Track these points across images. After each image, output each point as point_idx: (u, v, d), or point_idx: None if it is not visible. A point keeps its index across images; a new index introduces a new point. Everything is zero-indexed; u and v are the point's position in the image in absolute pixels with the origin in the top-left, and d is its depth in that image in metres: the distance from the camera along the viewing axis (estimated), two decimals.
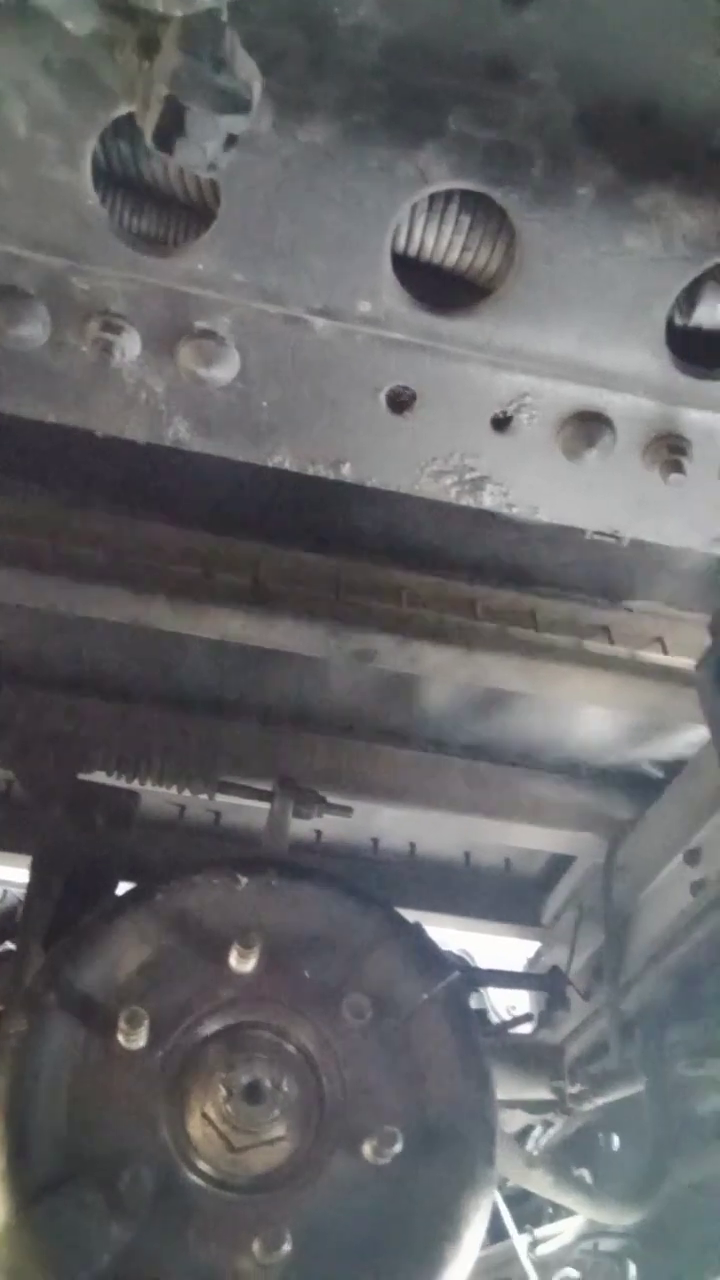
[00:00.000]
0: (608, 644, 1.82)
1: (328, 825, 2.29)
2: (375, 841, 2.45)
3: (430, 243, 0.71)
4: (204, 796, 1.50)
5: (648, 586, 1.82)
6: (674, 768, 2.13)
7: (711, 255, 0.66)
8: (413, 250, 0.72)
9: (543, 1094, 1.30)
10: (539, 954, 2.45)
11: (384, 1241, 0.92)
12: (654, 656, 1.83)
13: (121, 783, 1.39)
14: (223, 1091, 0.99)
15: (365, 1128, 0.97)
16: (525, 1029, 2.06)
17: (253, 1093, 0.99)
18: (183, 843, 2.29)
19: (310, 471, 0.86)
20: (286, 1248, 0.89)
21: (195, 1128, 0.99)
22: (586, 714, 2.03)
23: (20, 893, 1.97)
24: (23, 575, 1.67)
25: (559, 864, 2.44)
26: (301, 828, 2.00)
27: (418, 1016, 1.05)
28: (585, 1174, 2.10)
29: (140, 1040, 0.98)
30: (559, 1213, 2.32)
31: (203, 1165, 0.97)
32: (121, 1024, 0.96)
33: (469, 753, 2.16)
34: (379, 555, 1.77)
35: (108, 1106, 0.97)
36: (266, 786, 1.51)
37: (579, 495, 0.86)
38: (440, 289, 0.73)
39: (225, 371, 0.78)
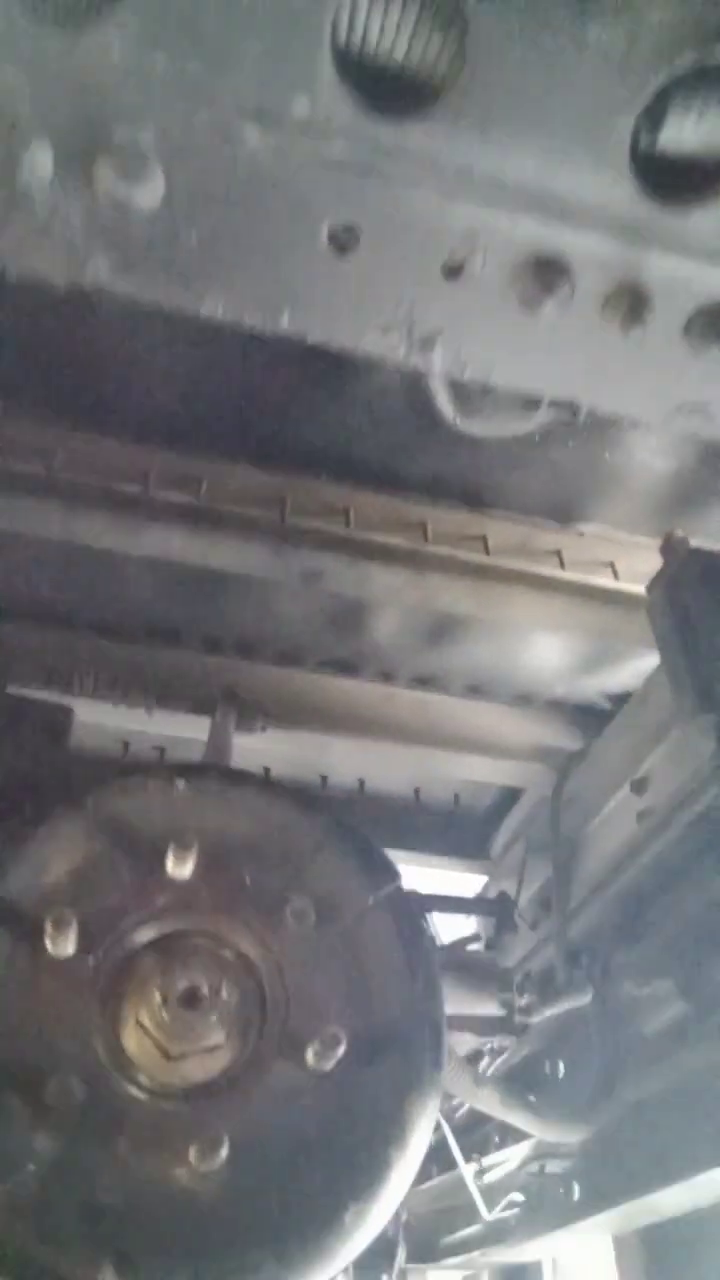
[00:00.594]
0: (559, 568, 1.78)
1: (275, 761, 2.23)
2: (324, 779, 2.40)
3: (374, 33, 0.63)
4: (142, 711, 1.42)
5: (599, 509, 1.78)
6: (622, 699, 2.11)
7: (680, 54, 0.60)
8: (355, 43, 0.64)
9: (491, 1009, 1.27)
10: (486, 888, 2.43)
11: (327, 1147, 0.88)
12: (605, 581, 1.79)
13: (54, 698, 1.31)
14: (158, 998, 0.93)
15: (308, 1033, 0.93)
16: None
17: (190, 998, 0.94)
18: None
19: (246, 321, 0.78)
20: (224, 1154, 0.84)
21: (129, 1037, 0.93)
22: (537, 644, 1.99)
23: None
24: None
25: (508, 798, 2.41)
26: (248, 761, 1.94)
27: (363, 921, 1.00)
28: (532, 1098, 2.10)
29: (69, 946, 0.92)
30: (505, 1142, 2.33)
31: (137, 1075, 0.91)
32: (48, 928, 0.90)
33: (418, 684, 2.11)
34: (327, 472, 1.70)
35: (33, 1015, 0.90)
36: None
37: (535, 354, 0.80)
38: (385, 99, 0.66)
39: (148, 195, 0.70)
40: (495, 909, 1.72)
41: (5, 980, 0.91)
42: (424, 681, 2.12)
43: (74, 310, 1.46)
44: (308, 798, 1.11)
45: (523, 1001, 1.27)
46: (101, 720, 1.95)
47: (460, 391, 1.53)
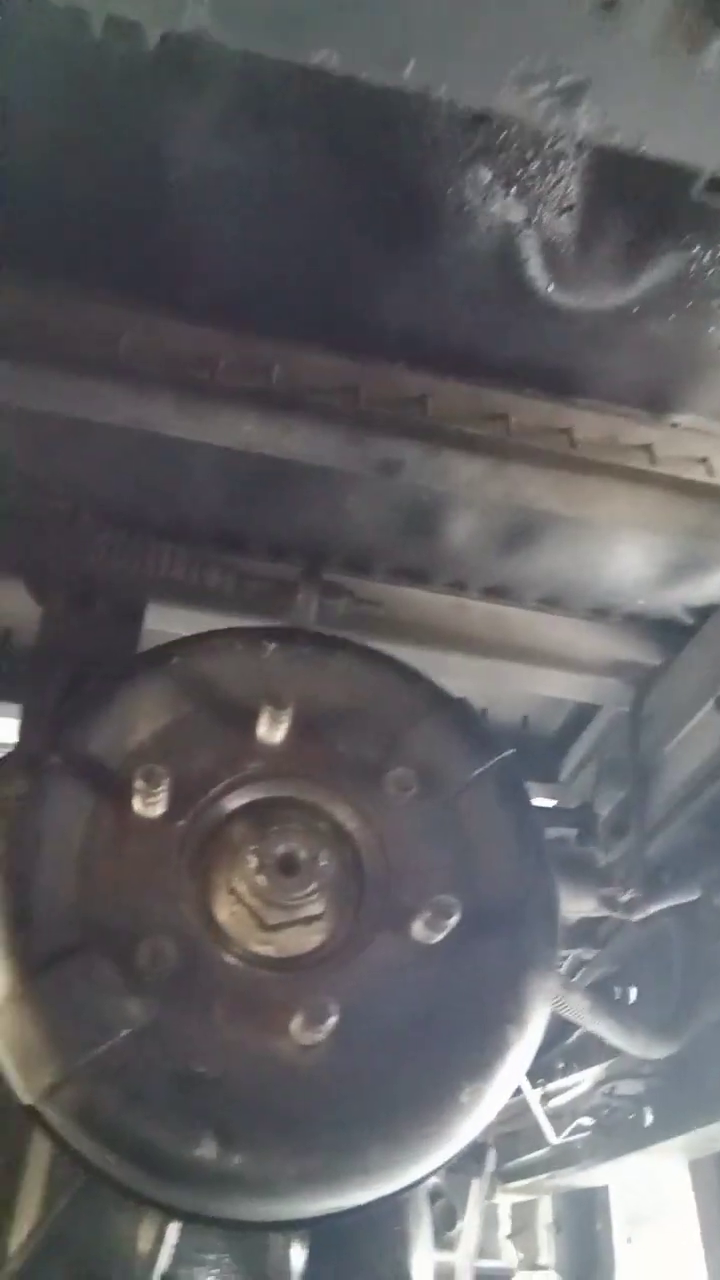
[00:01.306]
0: (649, 463, 1.65)
1: None
2: None
3: None
4: (222, 589, 1.33)
5: (695, 398, 1.65)
6: (706, 613, 1.99)
7: None
8: None
9: (589, 904, 1.18)
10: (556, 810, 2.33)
11: (440, 1024, 0.81)
12: (698, 476, 1.67)
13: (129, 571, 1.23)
14: (253, 862, 0.86)
15: (413, 906, 0.85)
16: None
17: (287, 864, 0.86)
18: None
19: (363, 75, 0.68)
20: (328, 1026, 0.77)
21: (222, 905, 0.86)
22: (619, 549, 1.86)
23: None
24: (11, 370, 1.48)
25: (577, 720, 2.31)
26: None
27: (469, 793, 0.91)
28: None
29: (158, 806, 0.85)
30: (568, 1069, 2.26)
31: (232, 944, 0.84)
32: (137, 783, 0.83)
33: (492, 595, 2.00)
34: (404, 358, 1.58)
35: (123, 877, 0.84)
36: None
37: (696, 115, 0.68)
38: None
39: None
40: (577, 820, 1.62)
41: (90, 839, 0.84)
42: (497, 592, 2.01)
43: (137, 180, 1.37)
44: (406, 666, 1.02)
45: (625, 897, 1.18)
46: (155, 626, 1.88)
47: (554, 254, 1.40)
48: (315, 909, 0.87)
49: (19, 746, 1.07)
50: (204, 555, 1.39)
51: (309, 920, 0.86)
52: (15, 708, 1.80)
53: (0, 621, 1.89)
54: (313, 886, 0.86)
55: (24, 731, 1.08)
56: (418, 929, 0.84)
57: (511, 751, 0.96)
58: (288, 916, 0.86)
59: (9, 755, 1.01)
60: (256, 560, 1.89)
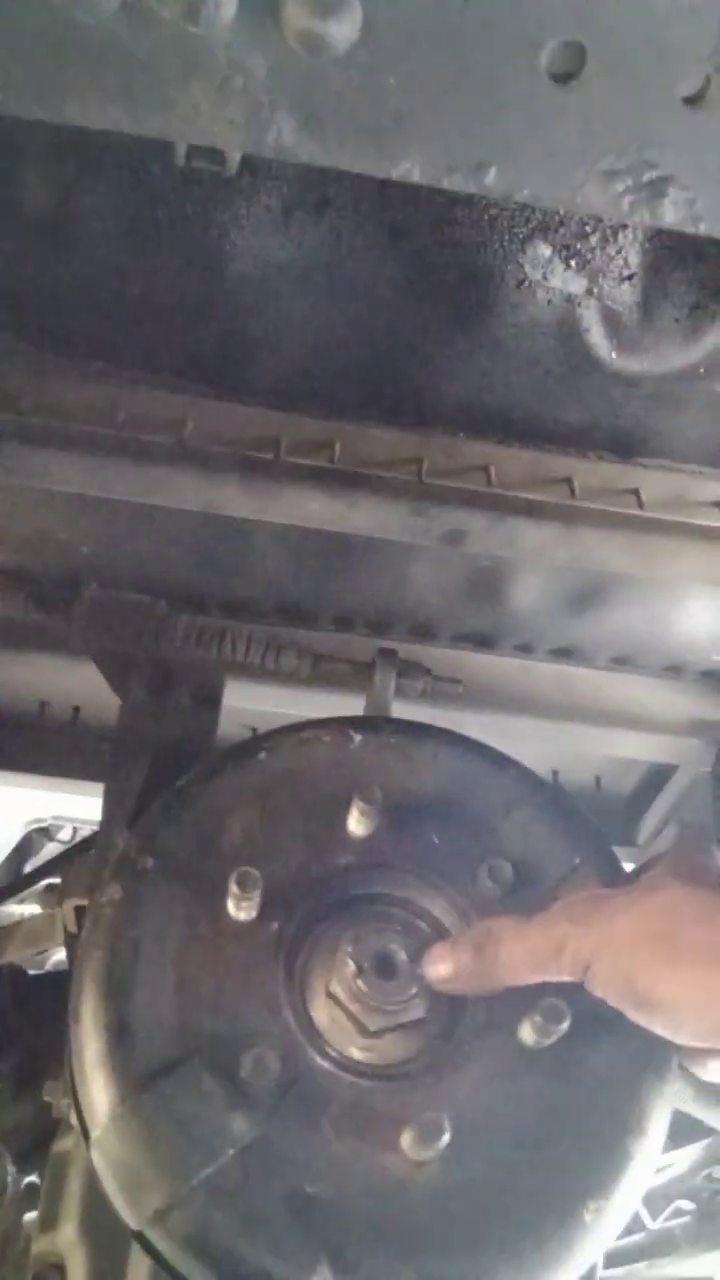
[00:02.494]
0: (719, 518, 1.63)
1: None
2: None
3: None
4: (285, 689, 1.34)
5: None
6: None
7: None
8: None
9: None
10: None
11: (557, 1136, 0.77)
12: None
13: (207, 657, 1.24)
14: (351, 966, 0.83)
15: (520, 1008, 0.81)
16: None
17: (385, 965, 0.84)
18: None
19: (445, 184, 0.68)
20: (444, 1140, 0.74)
21: (320, 1010, 0.84)
22: (692, 606, 1.83)
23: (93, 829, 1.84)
24: (82, 461, 1.51)
25: (654, 780, 2.25)
26: None
27: (570, 882, 0.88)
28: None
29: (253, 909, 0.83)
30: (664, 1147, 2.15)
31: (332, 1051, 0.82)
32: (233, 887, 0.82)
33: (560, 656, 1.98)
34: (465, 428, 1.59)
35: (221, 984, 0.82)
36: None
37: None
38: None
39: (345, 30, 0.60)
40: None
41: (187, 945, 0.83)
42: (565, 653, 1.98)
43: (197, 274, 1.41)
44: (496, 752, 1.01)
45: None
46: (230, 703, 1.89)
47: (616, 322, 1.40)
48: (417, 1013, 0.84)
49: (101, 841, 1.07)
50: (279, 638, 1.39)
51: (412, 1024, 0.84)
52: (87, 785, 1.82)
53: (69, 700, 1.92)
54: (414, 990, 0.84)
55: (106, 824, 1.08)
56: (526, 1033, 0.81)
57: (607, 841, 0.93)
58: (389, 1022, 0.83)
59: (93, 852, 1.01)
60: (322, 631, 1.90)
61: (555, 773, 2.33)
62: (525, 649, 1.97)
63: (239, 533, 1.70)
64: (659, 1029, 0.78)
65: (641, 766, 2.26)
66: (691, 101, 0.64)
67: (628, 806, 2.34)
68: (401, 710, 1.87)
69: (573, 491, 1.59)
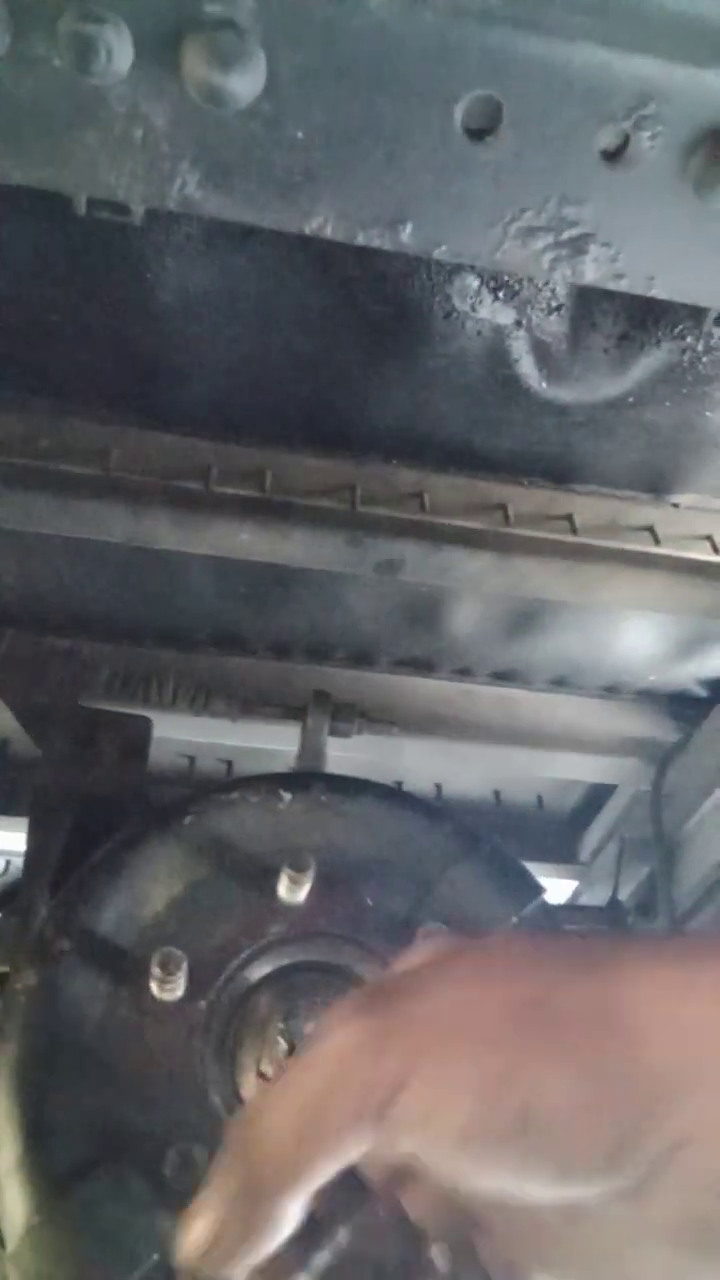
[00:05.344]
0: (652, 544, 1.63)
1: (346, 768, 2.09)
2: (399, 784, 2.26)
3: None
4: (218, 721, 1.30)
5: (695, 477, 1.63)
6: None
7: None
8: None
9: None
10: (577, 892, 2.27)
11: None
12: (703, 555, 1.64)
13: (131, 709, 1.19)
14: (282, 1045, 0.80)
15: None
16: None
17: None
18: None
19: (360, 240, 0.65)
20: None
21: (251, 1090, 0.80)
22: (628, 628, 1.84)
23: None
24: (4, 495, 1.45)
25: (595, 797, 2.26)
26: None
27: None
28: None
29: (178, 989, 0.79)
30: None
31: None
32: (154, 969, 0.77)
33: (498, 679, 1.97)
34: (397, 455, 1.57)
35: (144, 1072, 0.77)
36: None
37: (707, 255, 0.65)
38: None
39: (248, 82, 0.56)
40: (606, 917, 1.56)
41: (108, 1032, 0.78)
42: (505, 676, 1.98)
43: (119, 297, 1.36)
44: (432, 806, 0.98)
45: None
46: (162, 733, 1.84)
47: (546, 352, 1.39)
48: None
49: (23, 905, 1.01)
50: (208, 680, 1.34)
51: None
52: (13, 820, 1.75)
53: None
54: None
55: (27, 888, 1.02)
56: None
57: (544, 895, 0.91)
58: None
59: (10, 917, 0.95)
60: (257, 659, 1.86)
61: (498, 792, 2.33)
62: (465, 673, 1.96)
63: (170, 563, 1.65)
64: (537, 1170, 0.41)
65: (583, 785, 2.26)
66: (611, 158, 0.61)
67: (570, 825, 2.35)
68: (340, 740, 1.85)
69: (507, 518, 1.58)
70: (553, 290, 1.28)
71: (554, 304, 1.30)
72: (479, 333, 1.33)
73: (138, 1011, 0.79)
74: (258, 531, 1.51)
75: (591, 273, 0.66)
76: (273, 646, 1.86)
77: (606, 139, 0.60)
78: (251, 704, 1.38)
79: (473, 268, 1.27)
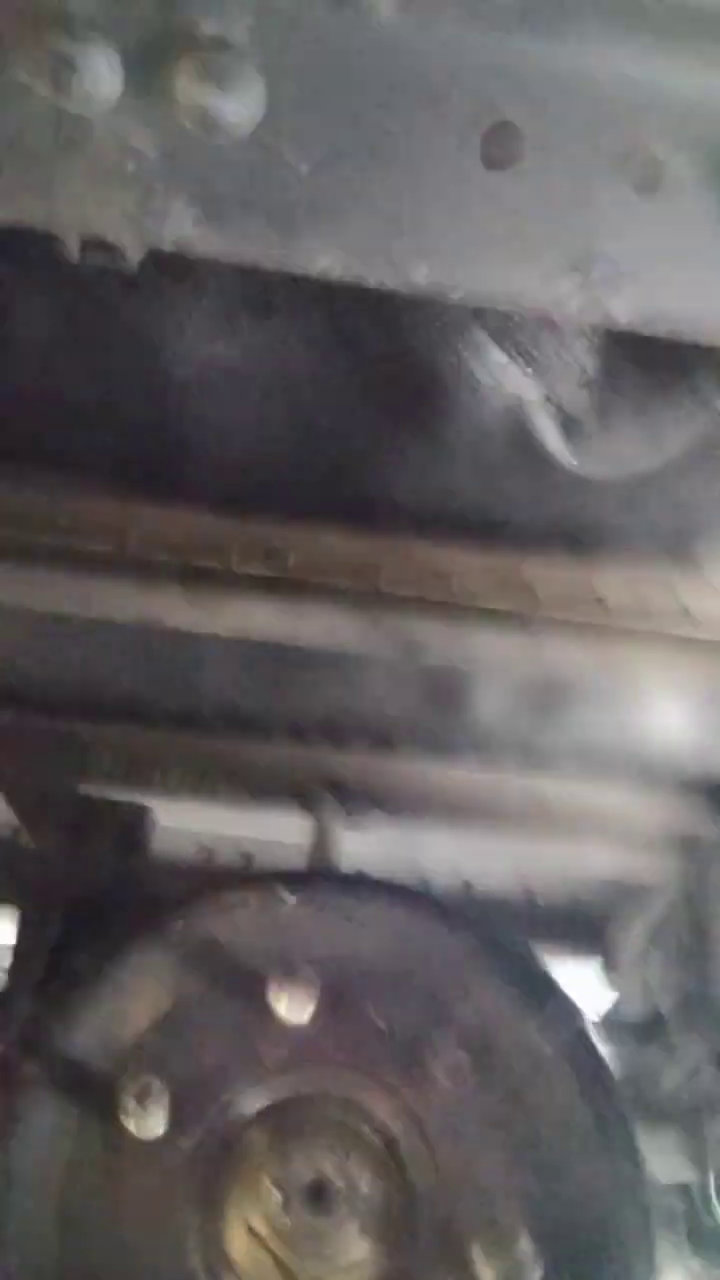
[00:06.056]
0: (687, 625, 1.54)
1: (369, 864, 1.98)
2: (425, 882, 2.13)
3: None
4: (225, 810, 1.20)
5: None
6: None
7: None
8: None
9: (679, 1165, 0.97)
10: (617, 1003, 2.10)
11: None
12: None
13: (131, 797, 1.10)
14: (276, 1196, 0.68)
15: (477, 1239, 0.66)
16: None
17: (318, 1196, 0.68)
18: None
19: (369, 280, 0.59)
20: None
21: (239, 1249, 0.67)
22: (664, 713, 1.73)
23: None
24: (15, 572, 1.41)
25: (633, 895, 2.10)
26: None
27: (540, 1077, 0.74)
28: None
29: (157, 1125, 0.68)
30: None
31: None
32: (128, 1103, 0.66)
33: (528, 768, 1.86)
34: (422, 531, 1.50)
35: (115, 1221, 0.66)
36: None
37: None
38: None
39: (245, 107, 0.51)
40: (646, 1035, 1.41)
41: (76, 1172, 0.67)
42: (535, 765, 1.86)
43: (138, 378, 1.33)
44: (452, 909, 0.87)
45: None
46: (179, 823, 1.74)
47: (573, 428, 1.33)
48: (357, 1251, 0.68)
49: (4, 1009, 0.91)
50: (213, 767, 1.26)
51: (350, 1268, 0.68)
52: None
53: None
54: (352, 1225, 0.68)
55: (11, 990, 0.92)
56: (486, 1273, 0.65)
57: (581, 1018, 0.79)
58: (323, 1269, 0.67)
59: None
60: (272, 743, 1.77)
61: (529, 891, 2.19)
62: (491, 761, 1.86)
63: (182, 642, 1.59)
64: None
65: (620, 884, 2.12)
66: (643, 190, 0.55)
67: (607, 923, 2.19)
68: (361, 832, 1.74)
69: (536, 600, 1.50)
70: (579, 363, 1.23)
71: (583, 378, 1.25)
72: (504, 406, 1.28)
73: (111, 1148, 0.68)
74: (276, 610, 1.44)
75: (624, 314, 0.60)
76: (290, 730, 1.77)
77: (638, 168, 0.54)
78: (260, 791, 1.28)
79: (498, 341, 1.22)
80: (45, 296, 1.20)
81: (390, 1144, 0.72)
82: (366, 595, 1.44)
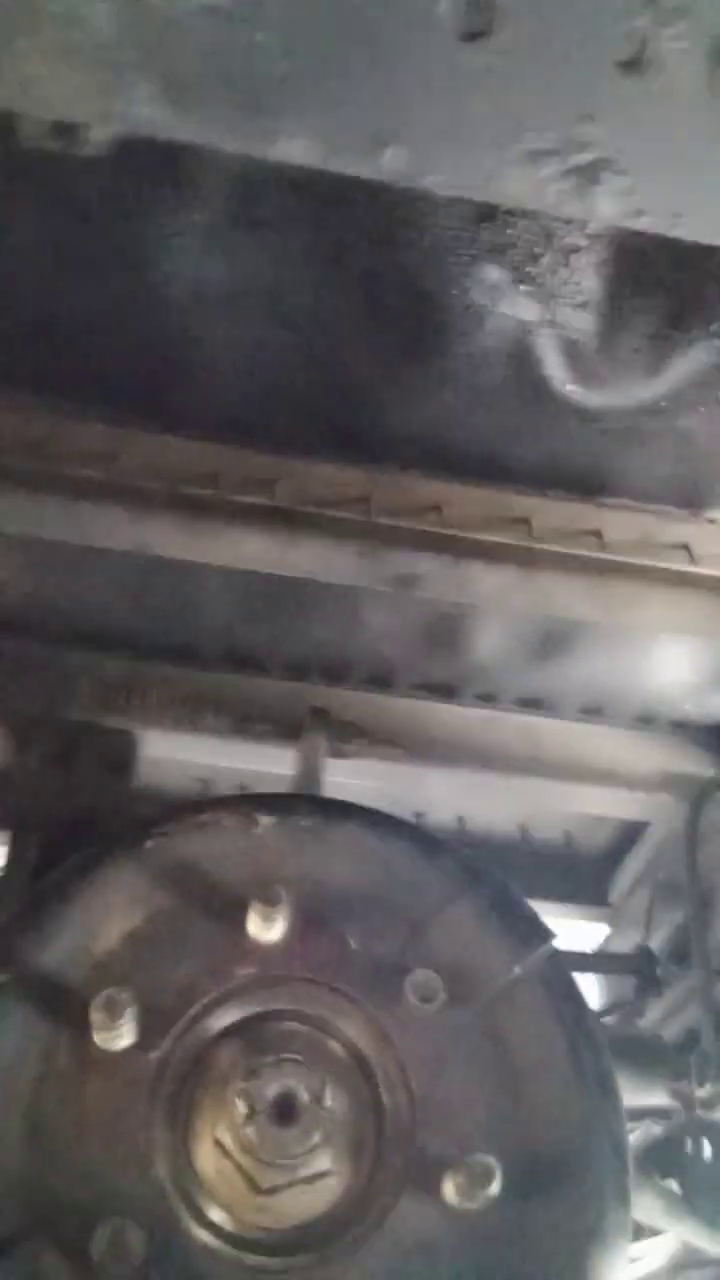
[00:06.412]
0: (687, 562, 1.51)
1: (364, 797, 1.98)
2: (420, 816, 2.13)
3: None
4: (216, 740, 1.20)
5: None
6: None
7: None
8: None
9: (659, 1099, 0.98)
10: (609, 939, 2.11)
11: None
12: None
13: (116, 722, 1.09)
14: (242, 1108, 0.68)
15: (444, 1157, 0.67)
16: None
17: (284, 1109, 0.69)
18: None
19: (334, 166, 0.55)
20: None
21: (205, 1161, 0.68)
22: (661, 653, 1.70)
23: None
24: (7, 497, 1.39)
25: (627, 835, 2.11)
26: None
27: (510, 998, 0.74)
28: (673, 1185, 1.76)
29: (124, 1037, 0.68)
30: (643, 1231, 1.98)
31: (216, 1215, 0.66)
32: (95, 1014, 0.67)
33: (525, 707, 1.84)
34: (416, 464, 1.47)
35: (81, 1133, 0.67)
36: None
37: None
38: None
39: None
40: (635, 966, 1.42)
41: (43, 1083, 0.67)
42: (531, 704, 1.84)
43: (129, 296, 1.29)
44: (428, 835, 0.86)
45: (703, 1092, 0.98)
46: (175, 754, 1.74)
47: (573, 353, 1.28)
48: (321, 1164, 0.69)
49: None
50: (198, 694, 1.25)
51: (314, 1179, 0.68)
52: None
53: None
54: (317, 1137, 0.68)
55: (4, 905, 0.93)
56: (450, 1190, 0.66)
57: (554, 942, 0.79)
58: (286, 1178, 0.67)
59: None
60: (270, 679, 1.76)
61: (524, 826, 2.19)
62: (489, 699, 1.84)
63: (181, 574, 1.57)
64: None
65: (614, 822, 2.12)
66: (628, 66, 0.51)
67: (600, 864, 2.19)
68: (355, 766, 1.73)
69: (531, 532, 1.47)
70: (580, 283, 1.18)
71: (581, 299, 1.20)
72: (500, 329, 1.23)
73: (79, 1060, 0.69)
74: (268, 540, 1.42)
75: (606, 207, 0.56)
76: (288, 666, 1.76)
77: (623, 40, 0.50)
78: (244, 721, 1.28)
79: (494, 259, 1.17)
80: (26, 213, 1.15)
81: (360, 1061, 0.72)
82: (357, 526, 1.42)
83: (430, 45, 0.51)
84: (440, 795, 2.02)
